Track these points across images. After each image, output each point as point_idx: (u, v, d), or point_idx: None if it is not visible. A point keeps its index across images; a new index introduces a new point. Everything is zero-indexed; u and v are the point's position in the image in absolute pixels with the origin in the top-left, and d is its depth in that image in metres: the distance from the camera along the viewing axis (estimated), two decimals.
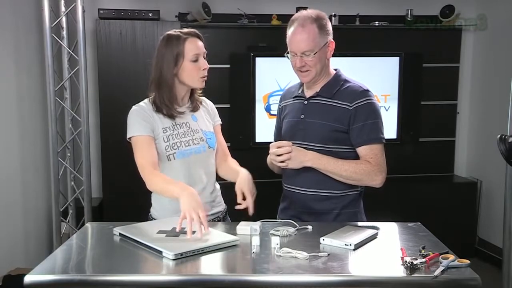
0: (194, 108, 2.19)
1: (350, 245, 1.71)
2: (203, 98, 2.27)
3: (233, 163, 2.26)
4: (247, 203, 1.99)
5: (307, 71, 2.06)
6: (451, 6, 4.27)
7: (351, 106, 2.06)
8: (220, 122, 2.31)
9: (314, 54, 2.02)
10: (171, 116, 2.10)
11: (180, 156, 2.08)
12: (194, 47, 2.07)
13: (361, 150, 2.07)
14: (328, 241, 1.75)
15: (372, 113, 2.07)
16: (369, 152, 2.06)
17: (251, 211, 1.99)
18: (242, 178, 2.06)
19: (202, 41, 2.12)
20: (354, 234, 1.81)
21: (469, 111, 4.63)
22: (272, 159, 2.07)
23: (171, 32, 2.11)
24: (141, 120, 2.07)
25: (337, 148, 2.08)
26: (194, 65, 2.07)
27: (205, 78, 2.11)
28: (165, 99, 2.08)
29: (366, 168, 2.04)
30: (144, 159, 2.02)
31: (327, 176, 2.07)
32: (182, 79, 2.08)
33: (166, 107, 2.09)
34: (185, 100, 2.17)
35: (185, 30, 2.11)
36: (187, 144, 2.10)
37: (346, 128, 2.07)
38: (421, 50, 4.38)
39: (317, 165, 2.04)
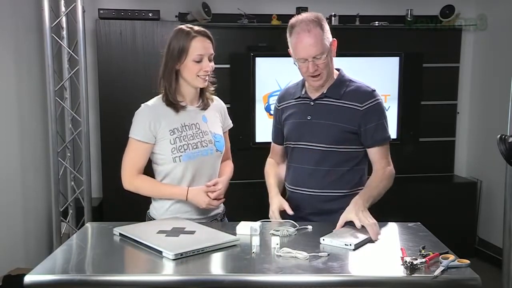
0: (205, 106, 2.17)
1: (350, 245, 1.71)
2: (215, 97, 2.24)
3: (225, 167, 2.25)
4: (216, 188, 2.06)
5: (318, 75, 2.05)
6: (451, 6, 4.27)
7: (361, 107, 2.07)
8: (231, 125, 2.31)
9: (326, 56, 2.02)
10: (178, 111, 2.08)
11: (186, 159, 2.07)
12: (200, 47, 2.05)
13: (375, 151, 2.10)
14: (328, 241, 1.75)
15: (382, 113, 2.11)
16: (383, 153, 2.11)
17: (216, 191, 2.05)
18: (223, 178, 2.14)
19: (212, 42, 2.10)
20: (354, 234, 1.80)
21: (469, 111, 4.63)
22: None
23: (183, 26, 2.09)
24: (145, 124, 2.05)
25: (346, 148, 2.09)
26: (195, 65, 2.04)
27: (207, 78, 2.09)
28: (168, 93, 2.07)
29: (390, 174, 2.10)
30: (131, 162, 2.09)
31: (337, 176, 2.09)
32: (183, 75, 2.07)
33: (170, 102, 2.07)
34: (194, 101, 2.15)
35: (197, 28, 2.08)
36: (194, 147, 2.09)
37: (356, 129, 2.08)
38: (421, 50, 4.37)
39: (369, 200, 1.97)
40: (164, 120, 2.07)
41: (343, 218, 1.89)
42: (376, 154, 2.11)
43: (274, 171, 2.26)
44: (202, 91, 2.16)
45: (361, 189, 2.13)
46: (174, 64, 2.05)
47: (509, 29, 4.05)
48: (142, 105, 2.11)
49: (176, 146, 2.06)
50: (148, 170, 2.15)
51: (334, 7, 4.16)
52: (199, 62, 2.04)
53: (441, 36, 4.43)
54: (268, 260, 1.62)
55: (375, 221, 1.86)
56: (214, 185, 2.07)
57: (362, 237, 1.78)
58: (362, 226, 1.85)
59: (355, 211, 1.88)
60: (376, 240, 1.81)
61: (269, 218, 2.04)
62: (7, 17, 3.41)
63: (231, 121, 2.31)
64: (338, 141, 2.08)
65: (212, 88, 2.19)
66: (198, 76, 2.06)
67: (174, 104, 2.08)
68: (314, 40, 1.99)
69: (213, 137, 2.15)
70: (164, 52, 2.08)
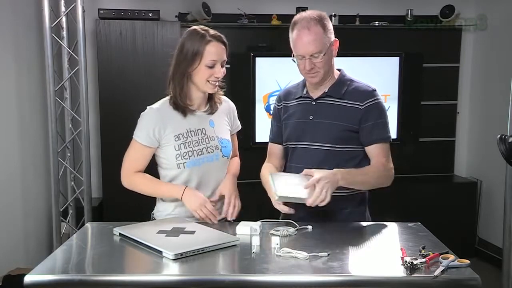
0: (212, 111, 2.14)
1: (276, 194, 1.85)
2: (224, 98, 2.21)
3: (231, 164, 2.23)
4: (226, 206, 2.07)
5: (315, 72, 2.04)
6: (451, 6, 4.27)
7: (362, 106, 2.07)
8: (240, 127, 2.29)
9: (323, 55, 2.01)
10: (186, 115, 2.06)
11: (191, 165, 2.05)
12: (215, 52, 2.00)
13: (373, 148, 2.08)
14: (274, 178, 1.93)
15: (382, 112, 2.10)
16: (382, 151, 2.08)
17: (229, 216, 2.06)
18: (225, 182, 2.12)
19: (226, 47, 2.05)
20: (297, 189, 1.87)
21: (469, 111, 4.63)
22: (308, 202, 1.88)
23: (198, 27, 2.04)
24: (149, 129, 2.02)
25: (347, 148, 2.09)
26: (207, 70, 2.00)
27: (217, 84, 2.05)
28: (177, 96, 2.04)
29: (386, 169, 2.07)
30: (131, 162, 2.08)
31: None
32: (194, 80, 2.03)
33: (179, 105, 2.04)
34: (202, 105, 2.12)
35: (212, 31, 2.03)
36: (200, 153, 2.06)
37: (357, 127, 2.07)
38: (421, 50, 4.38)
39: (348, 180, 1.95)
40: (170, 125, 2.04)
41: (310, 171, 1.91)
42: (374, 152, 2.08)
43: (270, 170, 2.23)
44: (210, 96, 2.13)
45: (362, 190, 2.14)
46: (187, 68, 2.01)
47: (509, 29, 4.06)
48: (148, 107, 2.07)
49: (181, 153, 2.04)
50: (154, 173, 2.14)
51: (334, 7, 4.16)
52: (211, 67, 2.00)
53: (441, 36, 4.43)
54: (268, 260, 1.62)
55: (326, 195, 1.84)
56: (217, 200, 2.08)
57: (298, 195, 1.83)
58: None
59: (324, 175, 1.87)
60: (310, 206, 1.83)
61: (269, 218, 2.03)
62: (7, 17, 3.41)
63: (239, 123, 2.29)
64: (340, 140, 2.08)
65: (221, 92, 2.17)
66: (208, 81, 2.02)
67: (182, 108, 2.05)
68: (313, 38, 1.99)
69: (220, 142, 2.13)
70: (176, 53, 2.04)
